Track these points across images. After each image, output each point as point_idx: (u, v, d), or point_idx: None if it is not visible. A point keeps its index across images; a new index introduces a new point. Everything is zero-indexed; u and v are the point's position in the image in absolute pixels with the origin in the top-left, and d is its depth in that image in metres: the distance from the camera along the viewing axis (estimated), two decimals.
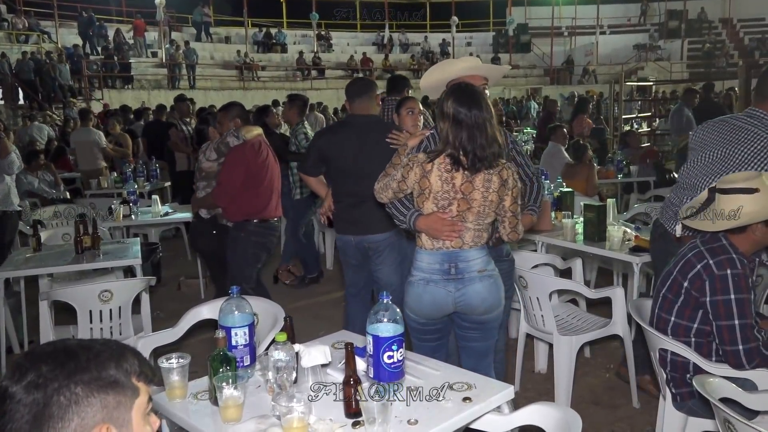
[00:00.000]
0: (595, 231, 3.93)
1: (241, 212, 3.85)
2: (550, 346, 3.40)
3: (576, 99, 12.88)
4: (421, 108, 3.72)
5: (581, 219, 4.07)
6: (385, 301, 1.92)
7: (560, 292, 3.78)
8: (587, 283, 4.78)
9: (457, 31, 25.20)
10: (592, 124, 8.69)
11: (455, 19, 25.00)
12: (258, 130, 4.00)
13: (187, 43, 19.72)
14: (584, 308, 3.76)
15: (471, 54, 24.63)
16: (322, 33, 24.49)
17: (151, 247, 5.45)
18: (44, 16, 19.88)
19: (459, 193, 2.36)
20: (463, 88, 2.42)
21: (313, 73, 21.75)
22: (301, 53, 22.17)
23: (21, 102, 15.60)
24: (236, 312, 2.06)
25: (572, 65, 24.45)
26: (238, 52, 21.30)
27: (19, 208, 5.14)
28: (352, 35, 25.90)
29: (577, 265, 3.89)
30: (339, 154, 3.39)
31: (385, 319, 1.89)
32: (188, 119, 8.21)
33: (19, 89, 15.68)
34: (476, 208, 2.37)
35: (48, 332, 3.25)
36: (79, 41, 19.02)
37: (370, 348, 1.90)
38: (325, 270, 5.95)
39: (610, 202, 4.24)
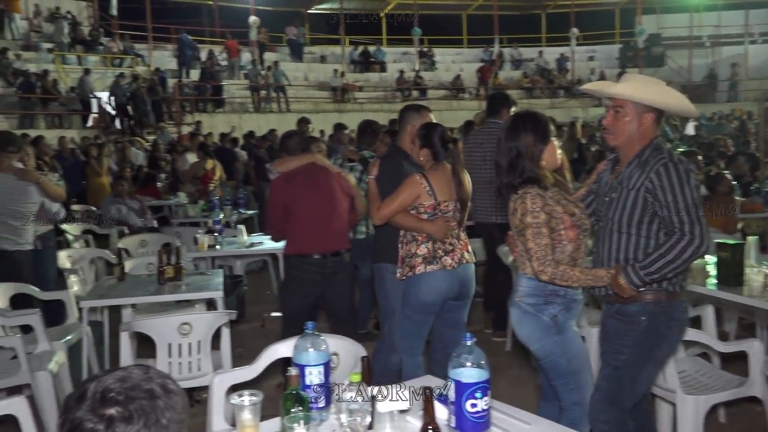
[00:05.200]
0: (731, 274, 3.76)
1: (287, 246, 4.17)
2: (674, 406, 3.28)
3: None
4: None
5: (714, 259, 3.92)
6: (468, 343, 1.96)
7: (687, 345, 3.65)
8: (723, 335, 4.56)
9: (577, 44, 24.93)
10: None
11: (575, 30, 24.74)
12: (296, 161, 4.17)
13: (276, 63, 20.67)
14: (718, 364, 3.60)
15: (593, 70, 24.23)
16: (425, 50, 24.97)
17: (235, 280, 5.74)
18: (139, 39, 21.59)
19: None
20: None
21: (414, 93, 22.17)
22: (401, 72, 22.68)
23: (116, 126, 16.96)
24: (311, 349, 2.17)
25: (715, 80, 23.45)
26: (335, 71, 22.08)
27: (30, 248, 5.02)
28: (457, 51, 26.21)
29: (708, 313, 3.74)
30: None
31: (469, 363, 1.94)
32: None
33: (114, 114, 17.09)
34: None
35: (128, 364, 3.51)
36: (172, 64, 20.48)
37: (451, 394, 1.95)
38: None
39: (752, 240, 4.05)
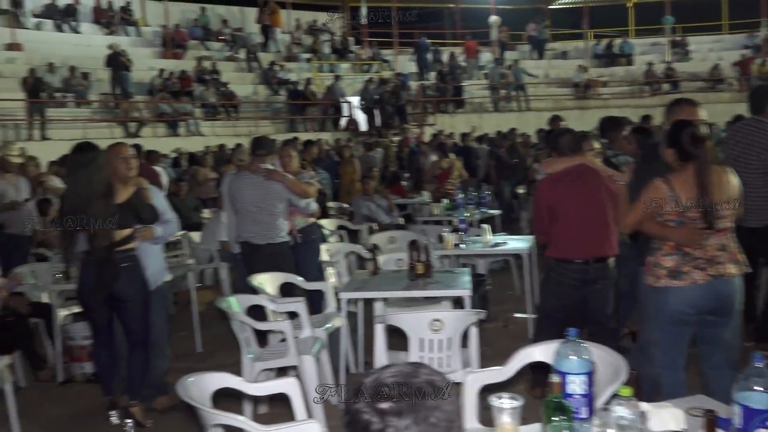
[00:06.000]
0: None
1: (549, 248, 4.13)
2: None
3: None
4: None
5: None
6: (758, 365, 1.75)
7: None
8: None
9: None
10: None
11: None
12: (564, 162, 4.04)
13: (516, 62, 20.50)
14: None
15: None
16: (677, 39, 23.16)
17: (478, 279, 5.78)
18: (385, 46, 22.79)
19: None
20: None
21: (665, 86, 20.66)
22: (649, 65, 21.28)
23: (363, 129, 18.10)
24: (573, 357, 2.09)
25: None
26: (579, 67, 21.32)
27: (282, 240, 5.33)
28: (716, 39, 23.94)
29: None
30: None
31: (759, 387, 1.73)
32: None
33: (361, 117, 18.26)
34: None
35: (382, 355, 3.70)
36: (414, 68, 21.31)
37: (737, 420, 1.75)
38: None
39: None
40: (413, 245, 4.58)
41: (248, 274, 4.86)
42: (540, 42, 22.93)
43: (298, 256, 5.47)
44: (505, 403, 2.01)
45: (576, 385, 2.07)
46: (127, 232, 4.10)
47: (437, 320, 3.45)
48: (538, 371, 3.75)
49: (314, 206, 5.67)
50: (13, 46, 17.07)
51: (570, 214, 3.93)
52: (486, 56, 22.11)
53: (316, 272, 5.35)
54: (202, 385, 2.55)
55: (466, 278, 4.41)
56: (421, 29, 22.56)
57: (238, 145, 13.67)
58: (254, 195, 5.25)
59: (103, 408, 4.30)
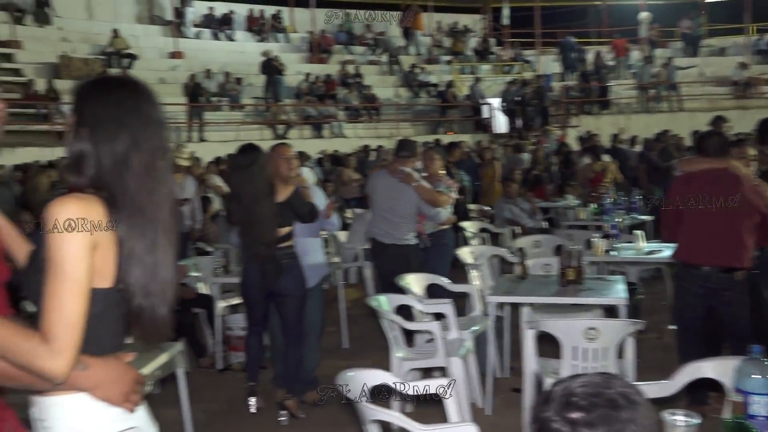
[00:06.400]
0: None
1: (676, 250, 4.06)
2: None
3: None
4: None
5: None
6: None
7: None
8: None
9: None
10: None
11: None
12: (704, 164, 3.85)
13: (669, 60, 19.42)
14: None
15: None
16: None
17: (630, 287, 5.52)
18: (528, 46, 22.38)
19: None
20: None
21: None
22: None
23: (504, 131, 17.88)
24: (758, 376, 1.94)
25: None
26: (739, 64, 19.86)
27: (409, 243, 5.35)
28: None
29: None
30: None
31: None
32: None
33: (501, 118, 18.04)
34: None
35: (532, 361, 3.63)
36: (558, 68, 20.74)
37: None
38: None
39: None
40: (564, 250, 4.46)
41: (376, 270, 4.99)
42: (694, 38, 21.60)
43: (427, 260, 5.48)
44: (682, 421, 1.91)
45: (760, 406, 1.92)
46: (286, 230, 4.27)
47: (593, 329, 3.34)
48: (695, 388, 3.53)
49: (444, 215, 5.62)
50: (175, 55, 18.40)
51: (696, 216, 3.78)
52: (635, 54, 21.13)
53: (445, 277, 5.33)
54: (359, 381, 2.62)
55: (621, 286, 4.24)
56: (565, 28, 21.92)
57: (380, 147, 14.01)
58: (387, 195, 5.36)
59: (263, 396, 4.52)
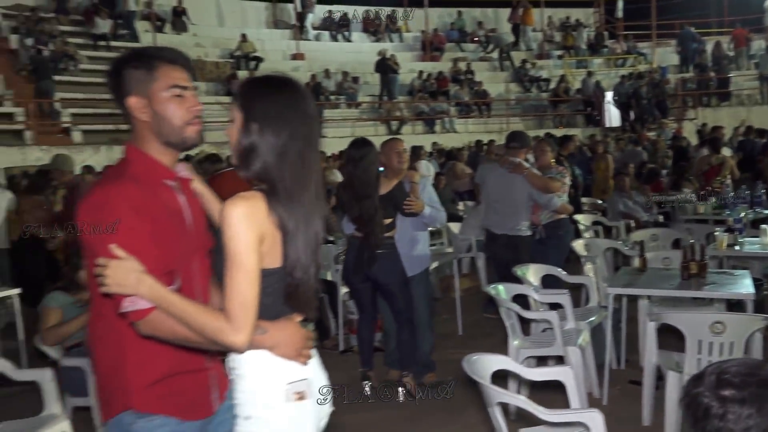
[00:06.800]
0: None
1: None
2: None
3: None
4: None
5: None
6: None
7: None
8: None
9: None
10: None
11: None
12: None
13: None
14: None
15: None
16: None
17: (755, 283, 5.21)
18: (642, 38, 21.39)
19: None
20: None
21: None
22: None
23: (615, 125, 17.23)
24: None
25: None
26: None
27: (521, 234, 5.30)
28: None
29: None
30: None
31: None
32: None
33: (614, 112, 17.37)
34: None
35: (653, 353, 3.51)
36: (674, 60, 19.71)
37: None
38: None
39: None
40: (687, 244, 4.26)
41: (490, 260, 4.99)
42: None
43: (543, 251, 5.38)
44: None
45: None
46: (387, 221, 4.29)
47: (719, 322, 3.18)
48: None
49: (557, 202, 5.44)
50: (297, 56, 18.97)
51: None
52: (757, 44, 19.72)
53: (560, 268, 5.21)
54: (483, 365, 2.63)
55: (747, 281, 4.01)
56: (682, 19, 20.73)
57: (491, 141, 13.87)
58: (497, 186, 5.32)
59: (376, 378, 4.61)
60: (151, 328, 1.60)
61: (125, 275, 1.54)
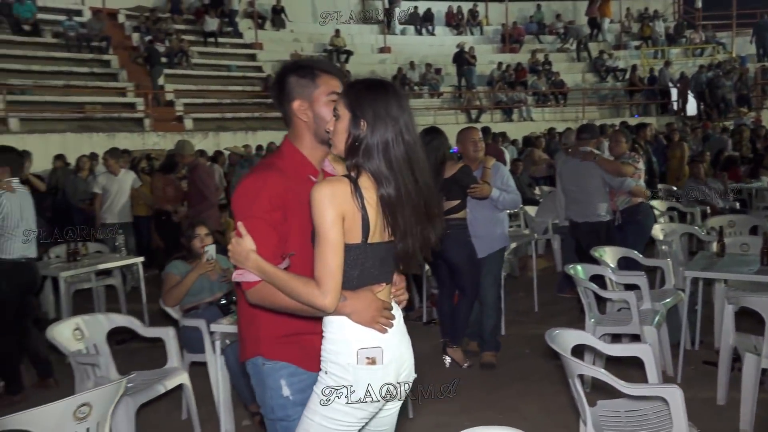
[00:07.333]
0: None
1: None
2: None
3: None
4: None
5: None
6: None
7: None
8: None
9: None
10: None
11: None
12: None
13: None
14: None
15: None
16: None
17: None
18: (721, 28, 20.18)
19: None
20: None
21: None
22: None
23: (691, 114, 16.38)
24: None
25: None
26: None
27: (601, 219, 5.14)
28: None
29: None
30: None
31: None
32: None
33: (690, 101, 16.51)
34: None
35: (729, 336, 3.36)
36: (752, 49, 18.52)
37: None
38: None
39: None
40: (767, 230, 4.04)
41: (574, 246, 5.12)
42: None
43: (623, 236, 5.22)
44: None
45: None
46: (454, 203, 4.22)
47: None
48: None
49: (631, 183, 5.21)
50: (384, 49, 18.99)
51: None
52: None
53: (640, 252, 5.02)
54: (563, 339, 2.60)
55: None
56: (762, 8, 19.38)
57: (568, 129, 13.48)
58: (572, 176, 5.26)
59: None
60: (257, 297, 1.79)
61: (240, 251, 1.75)
